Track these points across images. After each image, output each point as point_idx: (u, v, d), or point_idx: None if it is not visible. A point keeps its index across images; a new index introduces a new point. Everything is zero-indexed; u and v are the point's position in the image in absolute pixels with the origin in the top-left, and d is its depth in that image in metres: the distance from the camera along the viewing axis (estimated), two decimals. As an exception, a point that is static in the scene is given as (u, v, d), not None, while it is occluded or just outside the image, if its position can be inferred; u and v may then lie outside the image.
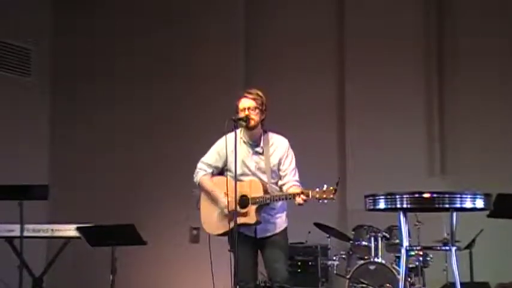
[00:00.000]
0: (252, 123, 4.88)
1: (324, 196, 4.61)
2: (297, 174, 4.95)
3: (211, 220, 4.99)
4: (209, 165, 5.06)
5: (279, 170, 4.94)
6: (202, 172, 5.08)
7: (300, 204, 4.70)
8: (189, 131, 8.43)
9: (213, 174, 5.07)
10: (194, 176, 5.13)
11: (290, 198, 4.75)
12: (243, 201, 4.82)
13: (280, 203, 4.92)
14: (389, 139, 7.93)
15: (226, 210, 4.85)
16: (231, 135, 4.84)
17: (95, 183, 8.65)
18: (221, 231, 4.93)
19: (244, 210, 4.81)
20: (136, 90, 8.84)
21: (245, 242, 4.85)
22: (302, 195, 4.66)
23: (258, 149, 4.95)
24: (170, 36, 8.73)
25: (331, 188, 4.59)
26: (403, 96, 8.04)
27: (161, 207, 8.33)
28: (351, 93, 8.22)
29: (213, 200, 4.99)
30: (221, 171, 5.07)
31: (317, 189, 4.65)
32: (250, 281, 4.97)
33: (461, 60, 7.92)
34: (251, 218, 4.80)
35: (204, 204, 5.08)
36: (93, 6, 9.12)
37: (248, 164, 4.93)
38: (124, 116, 8.83)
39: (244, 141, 4.97)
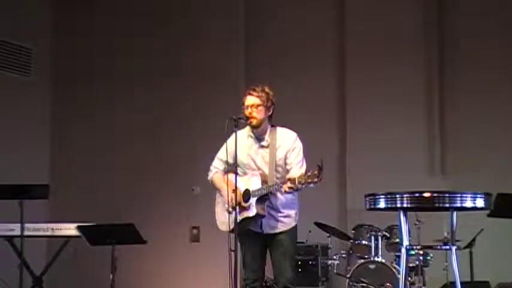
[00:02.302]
0: (254, 122, 4.89)
1: (309, 180, 4.51)
2: (303, 167, 4.85)
3: (222, 217, 5.01)
4: (221, 160, 5.08)
5: (285, 164, 4.90)
6: (214, 170, 5.12)
7: (286, 192, 4.66)
8: (189, 130, 8.43)
9: (226, 171, 5.05)
10: (208, 174, 5.16)
11: (280, 187, 4.68)
12: (247, 195, 4.84)
13: (285, 200, 4.87)
14: (389, 139, 7.93)
15: (226, 206, 4.89)
16: (241, 131, 4.90)
17: (95, 183, 8.65)
18: (230, 228, 4.90)
19: (246, 204, 4.81)
20: (136, 90, 8.83)
21: (253, 239, 4.87)
22: (288, 183, 4.60)
23: (264, 143, 4.95)
24: (170, 36, 8.73)
25: (315, 171, 4.49)
26: (403, 96, 8.03)
27: (161, 206, 8.33)
28: (351, 92, 8.22)
29: (223, 197, 5.01)
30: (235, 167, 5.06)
31: (302, 174, 4.58)
32: (256, 279, 4.96)
33: (462, 60, 7.92)
34: (251, 211, 4.80)
35: (218, 202, 5.11)
36: (93, 6, 9.11)
37: (254, 158, 4.95)
38: (124, 115, 8.83)
39: (251, 136, 4.99)
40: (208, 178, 5.16)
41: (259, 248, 4.95)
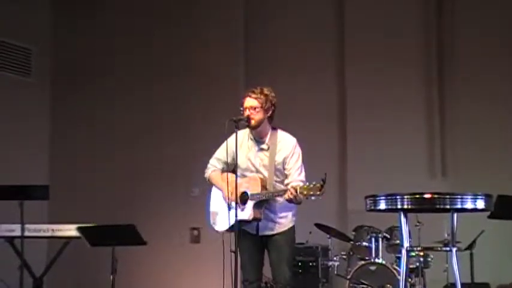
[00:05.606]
0: (253, 123, 4.88)
1: (311, 193, 4.54)
2: (302, 174, 4.89)
3: (218, 216, 5.02)
4: (219, 160, 5.09)
5: (284, 168, 4.91)
6: (212, 168, 5.12)
7: (288, 200, 4.67)
8: (189, 131, 8.43)
9: (223, 170, 5.07)
10: (205, 171, 5.16)
11: (282, 195, 4.71)
12: (244, 197, 4.83)
13: (281, 201, 4.86)
14: (389, 140, 7.93)
15: (226, 202, 4.89)
16: (241, 132, 4.89)
17: (95, 184, 8.65)
18: (226, 228, 4.93)
19: (243, 206, 4.81)
20: (136, 90, 8.84)
21: (250, 240, 4.87)
22: (290, 191, 4.62)
23: (264, 146, 4.95)
24: (170, 36, 8.73)
25: (318, 184, 4.52)
26: (403, 96, 8.04)
27: (162, 207, 8.33)
28: (351, 93, 8.21)
29: (220, 195, 5.02)
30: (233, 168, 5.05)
31: (305, 185, 4.60)
32: (255, 280, 4.97)
33: (462, 60, 7.92)
34: (247, 214, 4.80)
35: (213, 200, 5.11)
36: (93, 6, 9.12)
37: (253, 161, 4.95)
38: (124, 116, 8.83)
39: (251, 138, 4.99)
40: (206, 176, 5.16)
41: (256, 249, 4.95)
